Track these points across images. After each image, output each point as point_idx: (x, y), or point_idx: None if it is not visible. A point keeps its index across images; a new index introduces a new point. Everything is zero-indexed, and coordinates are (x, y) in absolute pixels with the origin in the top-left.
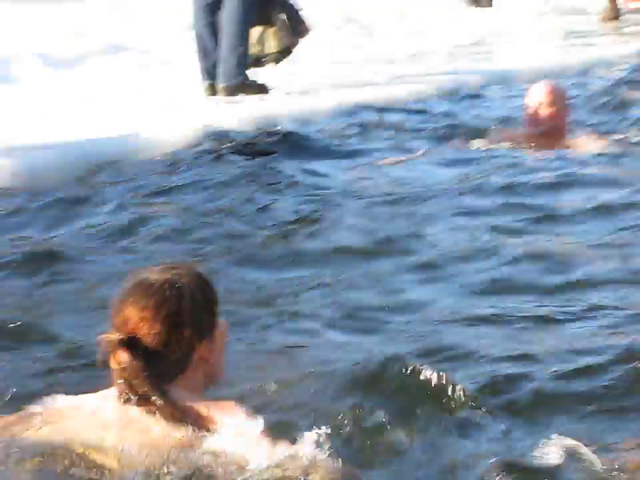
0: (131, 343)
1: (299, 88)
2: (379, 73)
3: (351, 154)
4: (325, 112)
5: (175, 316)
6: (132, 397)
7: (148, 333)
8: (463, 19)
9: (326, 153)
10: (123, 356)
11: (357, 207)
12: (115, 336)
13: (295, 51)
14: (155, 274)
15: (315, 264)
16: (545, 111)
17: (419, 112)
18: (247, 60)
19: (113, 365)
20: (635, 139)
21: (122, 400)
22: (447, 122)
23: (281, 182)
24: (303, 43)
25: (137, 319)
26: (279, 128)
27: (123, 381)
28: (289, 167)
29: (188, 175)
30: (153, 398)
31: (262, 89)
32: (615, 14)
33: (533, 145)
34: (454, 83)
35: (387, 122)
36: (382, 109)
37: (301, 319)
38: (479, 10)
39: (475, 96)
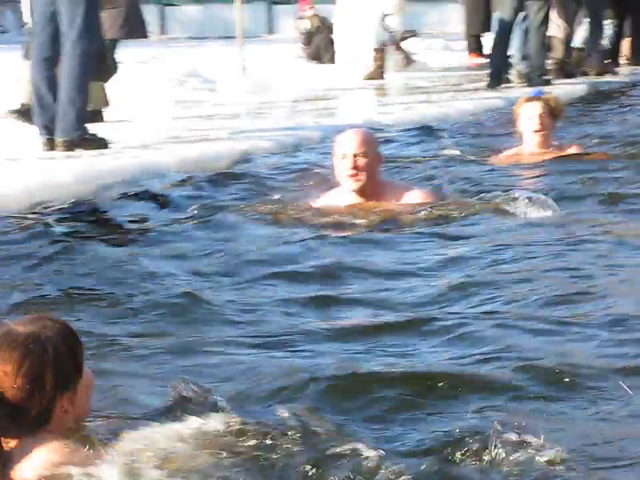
0: None
1: (140, 142)
2: (221, 128)
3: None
4: (166, 166)
5: (36, 370)
6: None
7: (10, 386)
8: (305, 74)
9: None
10: None
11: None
12: None
13: (137, 105)
14: (21, 326)
15: None
16: (362, 161)
17: (263, 165)
18: (85, 114)
19: None
20: None
21: None
22: (290, 176)
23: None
24: (145, 96)
25: (1, 374)
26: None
27: None
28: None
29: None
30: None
31: (101, 144)
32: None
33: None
34: (295, 138)
35: (231, 174)
36: (224, 163)
37: None
38: (321, 66)
39: (314, 149)
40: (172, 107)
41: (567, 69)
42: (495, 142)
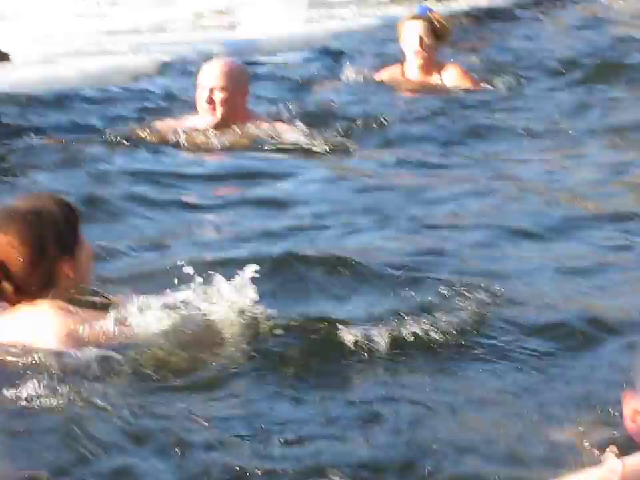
0: (1, 269)
1: (41, 56)
2: (123, 43)
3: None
4: (67, 80)
5: (37, 238)
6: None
7: (15, 257)
8: None
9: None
10: None
11: None
12: None
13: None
14: (20, 203)
15: None
16: (218, 96)
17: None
18: None
19: None
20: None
21: None
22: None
23: None
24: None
25: (4, 246)
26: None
27: None
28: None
29: None
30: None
31: (3, 57)
32: None
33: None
34: (196, 52)
35: (130, 90)
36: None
37: None
38: None
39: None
40: (73, 21)
41: None
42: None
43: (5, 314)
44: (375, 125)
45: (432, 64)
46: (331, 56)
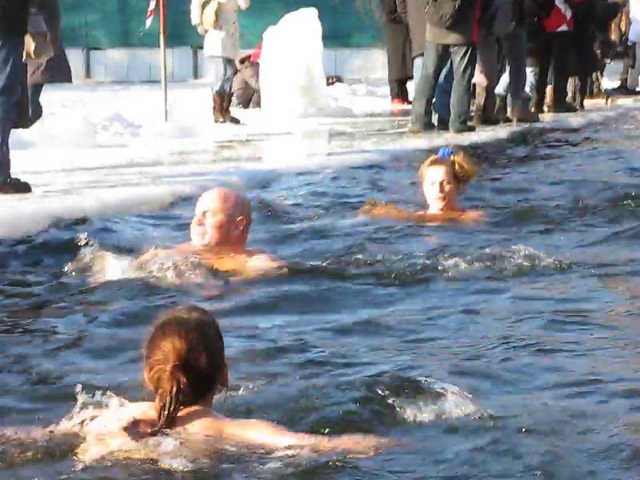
0: (185, 368)
1: (62, 187)
2: (143, 173)
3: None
4: (88, 210)
5: (212, 345)
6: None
7: (196, 359)
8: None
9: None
10: (179, 379)
11: None
12: (170, 364)
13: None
14: (186, 314)
15: None
16: (209, 220)
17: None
18: (7, 161)
19: (160, 386)
20: None
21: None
22: None
23: None
24: (68, 140)
25: (186, 348)
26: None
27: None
28: None
29: None
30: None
31: (24, 188)
32: None
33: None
34: (217, 183)
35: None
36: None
37: None
38: (246, 111)
39: None
40: (95, 151)
41: (489, 116)
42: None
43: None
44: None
45: (453, 208)
46: (349, 187)
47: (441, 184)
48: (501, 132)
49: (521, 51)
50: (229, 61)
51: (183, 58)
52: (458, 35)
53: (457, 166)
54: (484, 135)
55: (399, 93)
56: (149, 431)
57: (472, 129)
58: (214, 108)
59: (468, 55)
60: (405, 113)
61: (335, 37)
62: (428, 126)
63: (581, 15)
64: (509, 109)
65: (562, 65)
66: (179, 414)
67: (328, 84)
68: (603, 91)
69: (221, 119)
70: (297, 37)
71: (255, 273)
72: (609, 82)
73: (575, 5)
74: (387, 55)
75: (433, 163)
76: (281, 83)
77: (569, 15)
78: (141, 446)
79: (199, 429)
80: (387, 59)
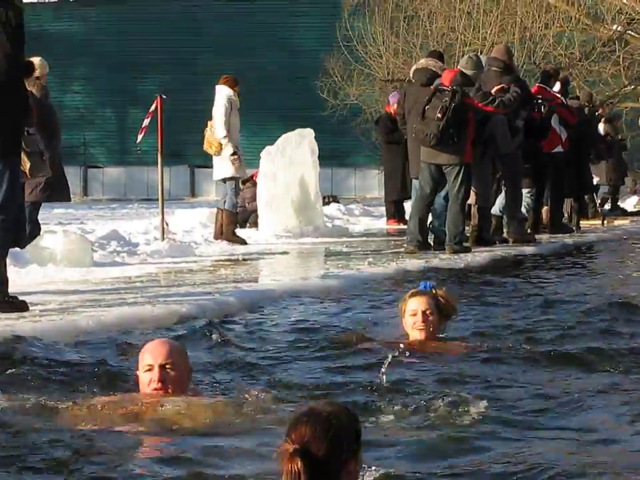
0: (303, 453)
1: (59, 306)
2: (141, 292)
3: None
4: (85, 330)
5: (337, 439)
6: None
7: (317, 448)
8: None
9: None
10: (296, 462)
11: None
12: (292, 446)
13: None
14: (322, 407)
15: None
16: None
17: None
18: (4, 279)
19: (284, 466)
20: None
21: None
22: None
23: None
24: (65, 258)
25: (309, 436)
26: None
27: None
28: None
29: None
30: None
31: (21, 307)
32: None
33: None
34: (214, 302)
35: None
36: (144, 327)
37: None
38: (243, 230)
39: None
40: (92, 269)
41: (485, 237)
42: None
43: None
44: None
45: (435, 337)
46: (343, 309)
47: (424, 313)
48: (497, 253)
49: (517, 171)
50: (238, 180)
51: (180, 176)
52: (450, 155)
53: (440, 299)
54: (479, 256)
55: (395, 213)
56: None
57: (468, 249)
58: (222, 227)
59: (461, 175)
60: (401, 233)
61: (331, 156)
62: (423, 246)
63: (576, 135)
64: (504, 230)
65: (558, 186)
66: None
67: (324, 203)
68: (600, 212)
69: (230, 239)
70: (293, 156)
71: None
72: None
73: (570, 126)
74: (383, 175)
75: (415, 294)
76: (278, 201)
77: (564, 135)
78: None
79: None
80: (384, 179)
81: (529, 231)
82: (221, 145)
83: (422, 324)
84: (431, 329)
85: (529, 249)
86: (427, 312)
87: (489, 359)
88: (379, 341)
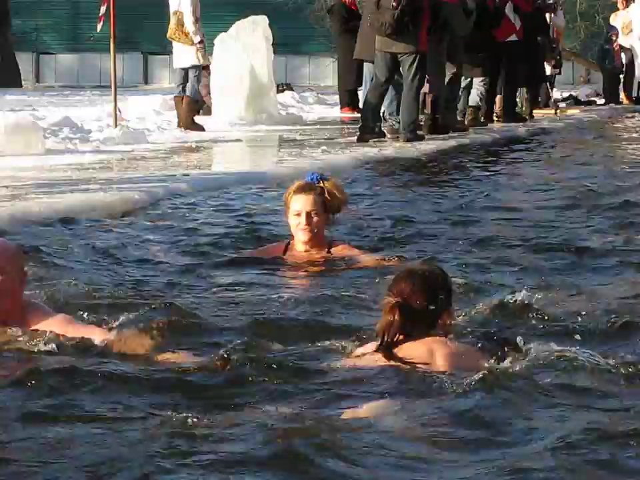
0: (403, 305)
1: (10, 192)
2: (93, 179)
3: None
4: (36, 216)
5: (432, 292)
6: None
7: (415, 301)
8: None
9: None
10: (395, 312)
11: None
12: (394, 299)
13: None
14: (421, 266)
15: None
16: None
17: None
18: None
19: (384, 316)
20: None
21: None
22: None
23: None
24: (17, 144)
25: (408, 291)
26: None
27: (386, 327)
28: None
29: None
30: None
31: None
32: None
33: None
34: (166, 189)
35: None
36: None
37: None
38: (197, 117)
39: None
40: (44, 156)
41: (439, 125)
42: None
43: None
44: None
45: (322, 241)
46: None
47: (308, 215)
48: (450, 142)
49: (471, 61)
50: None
51: (134, 63)
52: (405, 44)
53: (326, 194)
54: (433, 144)
55: (349, 101)
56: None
57: (421, 137)
58: (180, 114)
59: (416, 63)
60: (355, 121)
61: (285, 44)
62: (377, 134)
63: (530, 25)
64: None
65: (512, 75)
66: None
67: (278, 91)
68: (552, 101)
69: (189, 126)
70: (247, 43)
71: None
72: (557, 93)
73: (524, 15)
74: (336, 64)
75: (299, 190)
76: (231, 89)
77: (518, 24)
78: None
79: (414, 345)
80: (338, 69)
81: (482, 119)
82: (187, 33)
83: (306, 226)
84: (316, 230)
85: (482, 137)
86: (312, 212)
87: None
88: (260, 250)
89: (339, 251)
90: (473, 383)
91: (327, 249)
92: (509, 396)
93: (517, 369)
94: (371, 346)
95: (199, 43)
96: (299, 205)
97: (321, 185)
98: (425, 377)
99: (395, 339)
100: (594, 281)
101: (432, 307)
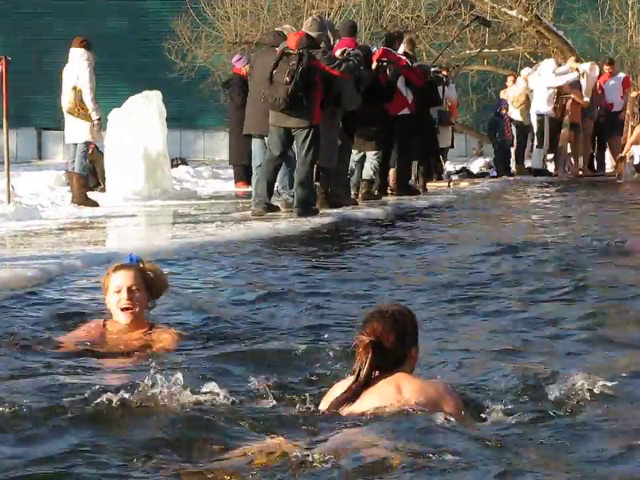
0: (376, 344)
1: None
2: None
3: None
4: None
5: (402, 330)
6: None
7: (387, 339)
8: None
9: None
10: (369, 350)
11: None
12: (367, 338)
13: None
14: (388, 307)
15: None
16: None
17: None
18: None
19: (359, 355)
20: None
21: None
22: None
23: None
24: None
25: (380, 330)
26: None
27: (362, 364)
28: None
29: None
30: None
31: None
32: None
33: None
34: (59, 266)
35: None
36: None
37: None
38: (91, 192)
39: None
40: None
41: (331, 199)
42: None
43: (373, 385)
44: None
45: (142, 322)
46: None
47: (129, 289)
48: (345, 214)
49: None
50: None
51: (27, 139)
52: (299, 119)
53: (148, 273)
54: (327, 217)
55: (244, 175)
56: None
57: (315, 212)
58: (73, 190)
59: (310, 137)
60: (250, 196)
61: (179, 119)
62: (271, 208)
63: (423, 98)
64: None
65: (405, 148)
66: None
67: (172, 166)
68: (445, 173)
69: (82, 202)
70: (140, 119)
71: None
72: (450, 165)
73: (417, 89)
74: (230, 138)
75: (119, 267)
76: (125, 164)
77: (410, 98)
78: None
79: (384, 382)
80: (230, 143)
81: (376, 192)
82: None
83: (127, 302)
84: (138, 309)
85: (376, 211)
86: (133, 287)
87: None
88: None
89: (158, 333)
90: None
91: (147, 329)
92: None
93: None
94: (345, 383)
95: (98, 119)
96: (120, 280)
97: (141, 264)
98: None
99: (371, 376)
100: None
101: (401, 345)
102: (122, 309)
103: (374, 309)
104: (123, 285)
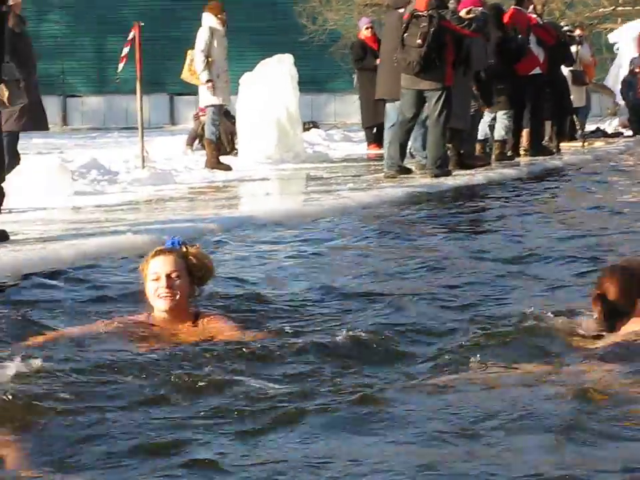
0: (602, 297)
1: (40, 235)
2: (121, 220)
3: None
4: (65, 259)
5: (628, 286)
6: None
7: (612, 293)
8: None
9: None
10: (597, 303)
11: None
12: (596, 291)
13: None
14: (624, 261)
15: None
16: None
17: None
18: None
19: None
20: None
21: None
22: None
23: None
24: (46, 187)
25: (608, 284)
26: None
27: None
28: None
29: None
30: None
31: (1, 236)
32: None
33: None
34: (194, 230)
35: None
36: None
37: None
38: (223, 157)
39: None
40: (72, 199)
41: (465, 160)
42: None
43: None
44: None
45: (185, 312)
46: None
47: (169, 277)
48: (477, 177)
49: (494, 94)
50: (220, 108)
51: (160, 104)
52: (431, 81)
53: (191, 258)
54: (460, 179)
55: (375, 138)
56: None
57: (448, 173)
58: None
59: (442, 99)
60: (382, 158)
61: (311, 82)
62: (404, 170)
63: (554, 57)
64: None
65: (537, 108)
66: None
67: (304, 129)
68: (579, 133)
69: (214, 166)
70: (272, 82)
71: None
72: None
73: (548, 48)
74: (359, 101)
75: (158, 253)
76: (257, 128)
77: (542, 57)
78: None
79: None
80: (360, 106)
81: (509, 153)
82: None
83: (166, 290)
84: (179, 297)
85: (509, 172)
86: (173, 275)
87: None
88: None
89: (206, 322)
90: None
91: (192, 321)
92: None
93: None
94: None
95: (207, 81)
96: (158, 266)
97: (184, 249)
98: None
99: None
100: None
101: (629, 297)
102: (161, 298)
103: (609, 265)
104: (161, 272)
